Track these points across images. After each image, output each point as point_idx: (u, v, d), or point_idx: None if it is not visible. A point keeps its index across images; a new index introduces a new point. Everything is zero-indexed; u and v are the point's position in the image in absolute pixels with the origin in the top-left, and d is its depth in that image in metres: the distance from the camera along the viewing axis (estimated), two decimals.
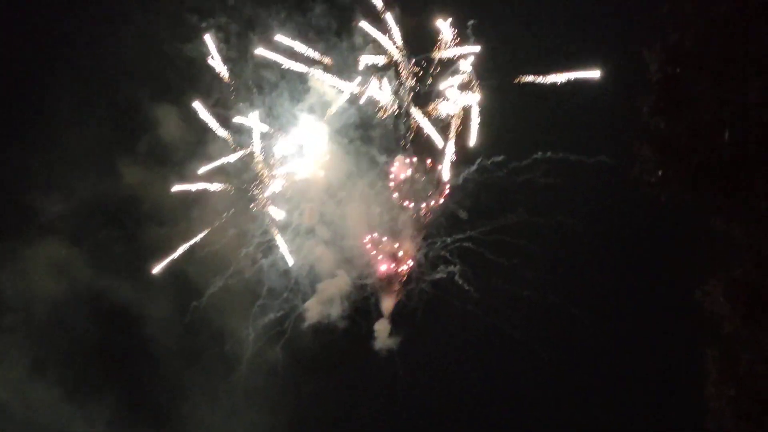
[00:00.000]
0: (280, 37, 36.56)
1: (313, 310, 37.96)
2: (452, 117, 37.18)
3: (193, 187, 36.93)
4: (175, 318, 37.00)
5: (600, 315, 34.48)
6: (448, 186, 37.57)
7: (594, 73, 34.22)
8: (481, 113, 36.78)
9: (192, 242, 36.98)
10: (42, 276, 36.33)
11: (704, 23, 19.26)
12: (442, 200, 37.75)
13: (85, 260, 36.56)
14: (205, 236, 37.19)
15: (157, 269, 36.73)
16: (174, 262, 36.85)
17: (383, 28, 36.85)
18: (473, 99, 36.68)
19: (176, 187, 36.84)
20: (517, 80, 35.22)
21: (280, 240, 37.58)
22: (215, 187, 37.20)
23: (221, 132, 37.21)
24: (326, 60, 37.06)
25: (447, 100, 37.08)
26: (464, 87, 36.89)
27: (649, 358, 33.91)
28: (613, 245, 34.62)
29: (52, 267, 36.43)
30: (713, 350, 17.77)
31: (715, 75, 18.90)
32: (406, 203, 38.22)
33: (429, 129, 37.35)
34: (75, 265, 36.43)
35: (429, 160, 37.89)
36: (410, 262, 38.37)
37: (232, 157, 37.27)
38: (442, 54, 36.75)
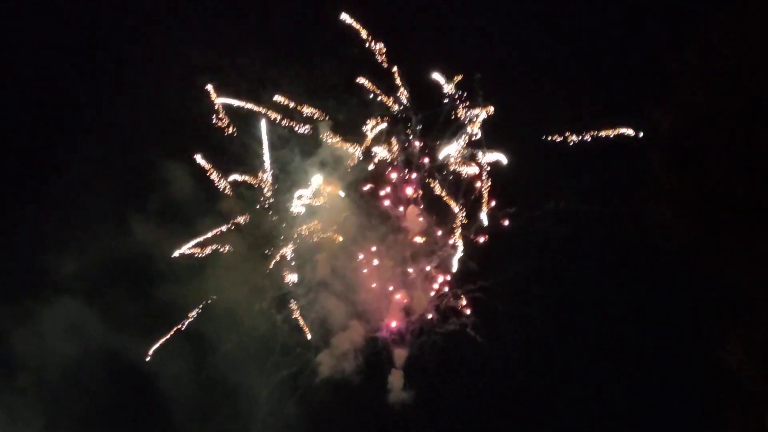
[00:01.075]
0: (280, 98, 37.08)
1: (326, 364, 37.85)
2: (462, 172, 37.57)
3: (198, 250, 37.26)
4: (189, 376, 36.87)
5: (616, 367, 34.24)
6: (459, 237, 37.72)
7: (630, 131, 34.44)
8: (492, 166, 37.18)
9: (203, 304, 37.14)
10: (56, 335, 36.31)
11: (711, 80, 19.55)
12: (453, 252, 37.86)
13: (99, 319, 36.54)
14: (219, 292, 37.30)
15: (150, 352, 36.98)
16: (187, 323, 37.08)
17: (391, 84, 37.37)
18: (484, 154, 37.09)
19: (177, 252, 37.12)
20: (529, 135, 35.57)
21: (299, 317, 37.81)
22: (227, 246, 37.48)
23: (232, 190, 37.68)
24: (336, 116, 37.61)
25: (457, 154, 37.46)
26: (474, 143, 37.35)
27: (670, 417, 33.54)
28: (628, 297, 34.43)
29: (66, 326, 36.41)
30: (736, 409, 17.67)
31: (724, 130, 19.13)
32: (417, 256, 38.38)
33: (439, 183, 37.70)
34: (89, 324, 36.41)
35: (440, 213, 38.17)
36: (422, 314, 38.33)
37: (243, 216, 37.68)
38: (449, 109, 37.19)
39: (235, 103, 37.47)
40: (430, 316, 38.05)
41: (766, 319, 17.81)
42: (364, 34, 36.73)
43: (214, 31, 37.56)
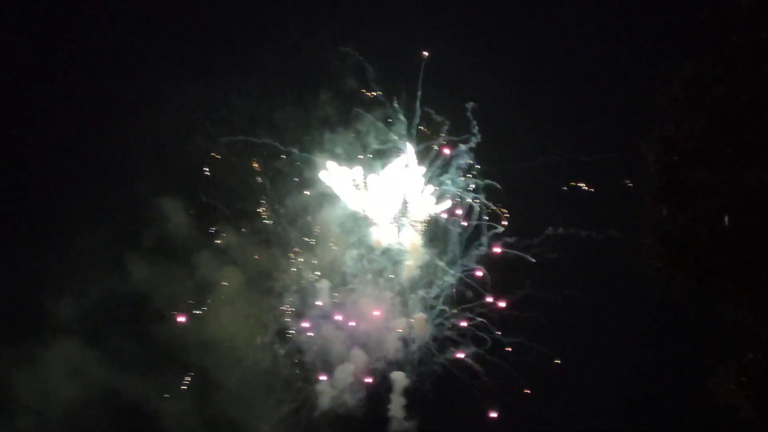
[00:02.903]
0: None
1: (326, 395, 37.85)
2: (459, 201, 37.79)
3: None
4: (193, 413, 36.85)
5: (611, 394, 34.23)
6: (458, 267, 37.87)
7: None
8: (490, 195, 37.47)
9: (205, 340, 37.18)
10: (58, 376, 36.31)
11: (698, 113, 19.66)
12: (452, 281, 37.99)
13: (101, 358, 36.57)
14: (221, 327, 37.37)
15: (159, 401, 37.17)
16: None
17: (387, 116, 37.66)
18: (480, 182, 37.38)
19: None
20: (524, 164, 35.85)
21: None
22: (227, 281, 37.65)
23: (230, 224, 37.91)
24: (332, 149, 37.86)
25: (454, 183, 37.73)
26: (469, 170, 37.62)
27: None
28: (623, 325, 34.52)
29: (67, 367, 36.41)
30: None
31: (712, 163, 19.22)
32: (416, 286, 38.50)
33: (436, 212, 37.93)
34: (90, 364, 36.44)
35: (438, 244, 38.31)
36: (421, 344, 38.36)
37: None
38: (445, 140, 37.49)
39: (232, 138, 37.84)
40: (429, 347, 38.13)
41: (756, 348, 17.85)
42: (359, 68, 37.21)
43: (208, 68, 37.99)
